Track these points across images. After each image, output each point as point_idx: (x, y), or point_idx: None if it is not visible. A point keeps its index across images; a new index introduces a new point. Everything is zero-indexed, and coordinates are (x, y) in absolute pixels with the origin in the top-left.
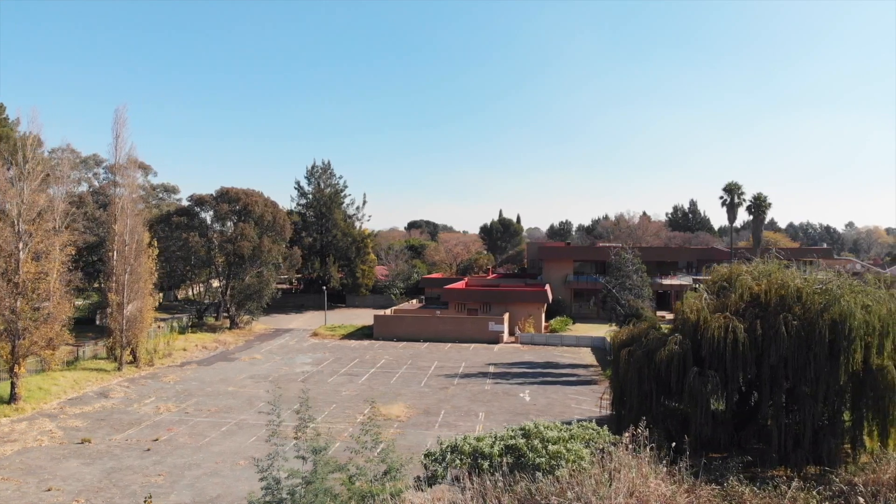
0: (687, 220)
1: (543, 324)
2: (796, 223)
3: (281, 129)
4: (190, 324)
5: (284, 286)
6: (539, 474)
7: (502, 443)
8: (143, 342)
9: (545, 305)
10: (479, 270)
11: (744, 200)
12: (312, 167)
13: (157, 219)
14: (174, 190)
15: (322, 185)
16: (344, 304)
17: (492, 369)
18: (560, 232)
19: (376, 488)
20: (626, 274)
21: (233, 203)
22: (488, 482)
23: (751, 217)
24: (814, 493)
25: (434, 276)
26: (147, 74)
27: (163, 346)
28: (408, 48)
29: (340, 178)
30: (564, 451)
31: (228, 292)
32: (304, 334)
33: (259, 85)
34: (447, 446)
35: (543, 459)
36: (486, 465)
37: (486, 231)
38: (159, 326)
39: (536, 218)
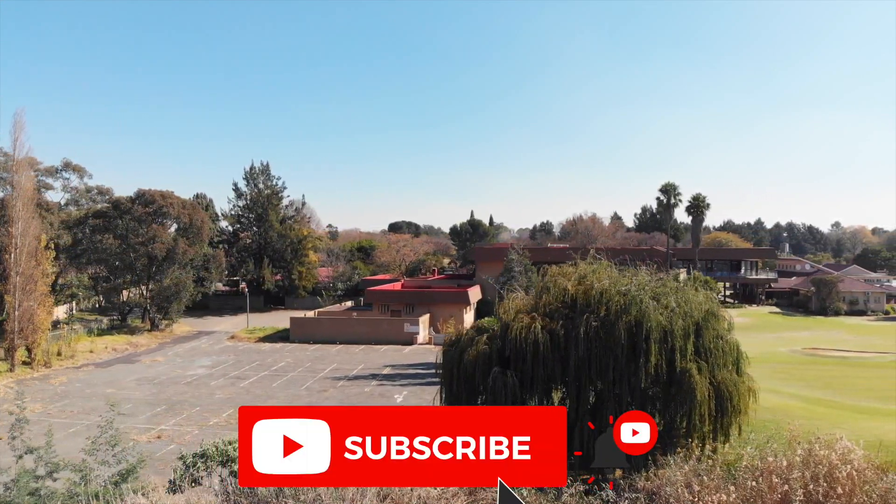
0: (654, 220)
1: (469, 324)
2: (789, 223)
3: (281, 130)
4: (111, 325)
5: (225, 288)
6: None
7: None
8: (42, 343)
9: (468, 306)
10: (426, 272)
11: (680, 201)
12: (251, 168)
13: (76, 221)
14: (108, 192)
15: (262, 187)
16: (283, 306)
17: (387, 370)
18: (541, 231)
19: (102, 489)
20: (513, 275)
21: (149, 205)
22: (230, 486)
23: (689, 217)
24: (590, 498)
25: (378, 277)
26: (146, 76)
27: (65, 348)
28: (407, 49)
29: (279, 179)
30: None
31: (147, 294)
32: (224, 337)
33: (256, 86)
34: (195, 453)
35: None
36: (234, 467)
37: (455, 232)
38: (72, 328)
39: (535, 218)
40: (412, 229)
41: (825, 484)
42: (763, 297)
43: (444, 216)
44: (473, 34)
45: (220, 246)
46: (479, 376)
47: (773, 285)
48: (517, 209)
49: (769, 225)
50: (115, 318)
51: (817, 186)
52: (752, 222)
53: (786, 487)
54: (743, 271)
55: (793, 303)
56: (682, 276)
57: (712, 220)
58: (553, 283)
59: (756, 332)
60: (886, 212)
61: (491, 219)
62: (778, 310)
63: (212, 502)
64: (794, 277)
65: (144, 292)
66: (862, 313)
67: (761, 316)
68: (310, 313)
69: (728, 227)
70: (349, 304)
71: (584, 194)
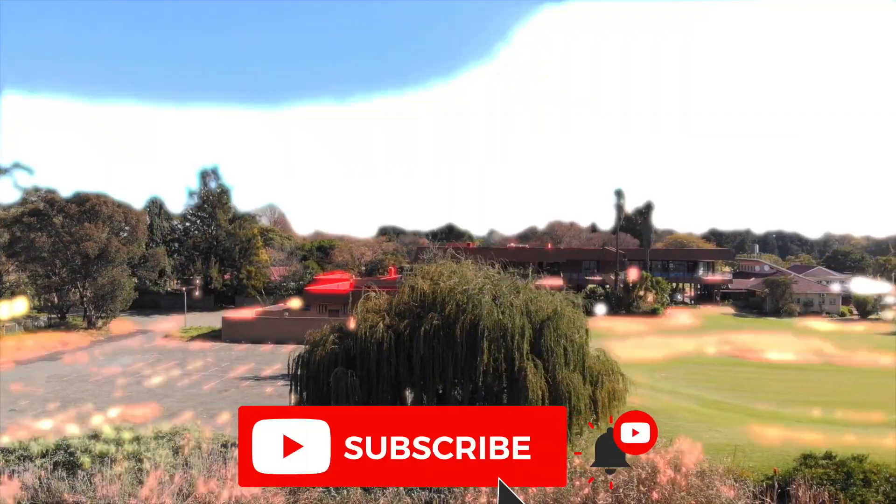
0: (629, 222)
1: None
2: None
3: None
4: (49, 324)
5: (180, 288)
6: (82, 473)
7: (66, 442)
8: None
9: None
10: (384, 271)
11: (623, 204)
12: (202, 168)
13: (13, 219)
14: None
15: (213, 186)
16: (234, 306)
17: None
18: (527, 235)
19: None
20: None
21: (83, 204)
22: (30, 480)
23: (646, 221)
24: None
25: (330, 276)
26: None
27: None
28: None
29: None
30: (114, 451)
31: (84, 293)
32: (160, 336)
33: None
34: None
35: (88, 459)
36: (38, 462)
37: (434, 235)
38: (4, 325)
39: (535, 220)
40: (398, 231)
41: (643, 488)
42: (718, 298)
43: (440, 217)
44: (471, 37)
45: (172, 244)
46: (325, 376)
47: (730, 286)
48: (518, 210)
49: (759, 231)
50: (54, 316)
51: (812, 189)
52: (742, 230)
53: (586, 490)
54: (701, 272)
55: (749, 304)
56: (633, 274)
57: (698, 227)
58: (407, 282)
59: (698, 333)
60: (881, 216)
61: (469, 222)
62: (732, 311)
63: (18, 495)
64: (752, 278)
65: (82, 291)
66: (817, 315)
67: (711, 317)
68: (247, 312)
69: (713, 232)
70: (299, 302)
71: (583, 195)
